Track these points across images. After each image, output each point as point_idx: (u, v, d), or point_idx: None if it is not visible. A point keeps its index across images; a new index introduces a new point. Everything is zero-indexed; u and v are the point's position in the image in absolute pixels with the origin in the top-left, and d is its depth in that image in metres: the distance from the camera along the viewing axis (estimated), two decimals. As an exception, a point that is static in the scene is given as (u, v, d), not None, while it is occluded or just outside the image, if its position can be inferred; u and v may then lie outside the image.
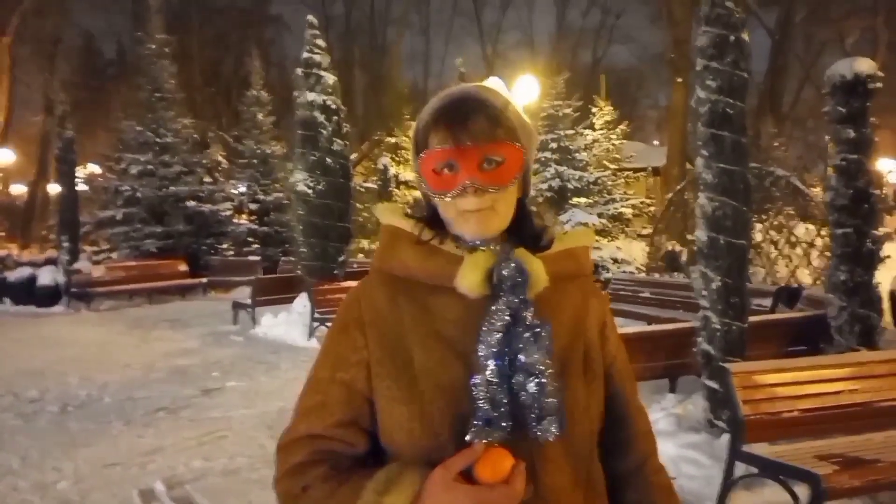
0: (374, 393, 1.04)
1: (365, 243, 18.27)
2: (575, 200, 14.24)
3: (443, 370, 1.01)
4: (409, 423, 1.00)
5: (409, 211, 1.14)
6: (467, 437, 0.95)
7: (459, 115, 1.03)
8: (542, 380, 0.97)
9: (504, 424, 0.95)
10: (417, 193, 1.16)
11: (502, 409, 0.96)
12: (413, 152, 1.11)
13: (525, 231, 1.11)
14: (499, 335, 0.98)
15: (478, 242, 1.05)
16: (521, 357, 0.98)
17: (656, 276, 11.37)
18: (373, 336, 1.06)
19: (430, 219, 1.10)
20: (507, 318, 0.99)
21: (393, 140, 21.61)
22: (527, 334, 0.99)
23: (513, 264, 1.02)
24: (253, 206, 18.13)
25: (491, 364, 0.97)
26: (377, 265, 1.13)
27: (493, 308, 0.99)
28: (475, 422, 0.95)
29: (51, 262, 15.55)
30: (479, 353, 0.98)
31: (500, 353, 0.98)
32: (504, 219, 1.06)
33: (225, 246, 17.95)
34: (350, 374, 1.06)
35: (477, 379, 0.97)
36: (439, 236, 1.07)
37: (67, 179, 15.42)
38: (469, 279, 1.01)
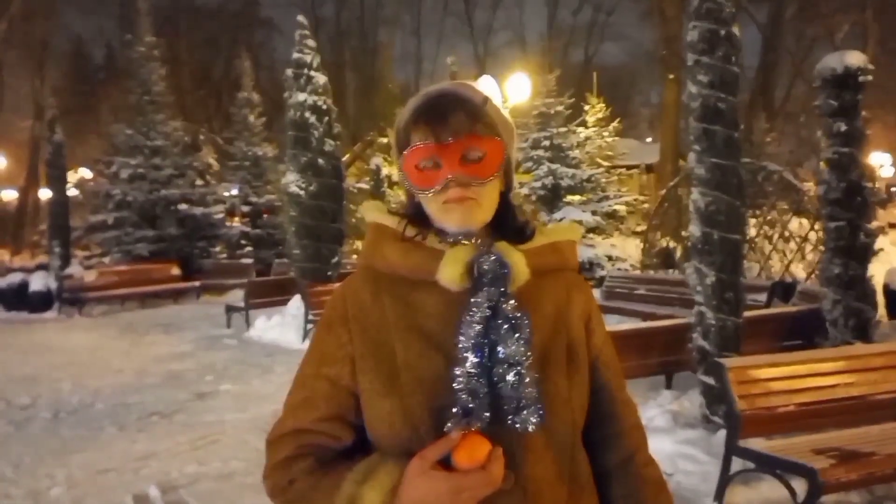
0: (359, 387, 1.06)
1: (358, 244, 18.23)
2: (569, 198, 14.23)
3: (423, 364, 1.02)
4: (390, 416, 1.02)
5: (393, 208, 1.16)
6: (446, 428, 0.96)
7: (439, 111, 1.05)
8: (521, 370, 0.98)
9: (483, 415, 0.96)
10: None
11: (481, 400, 0.97)
12: (395, 151, 1.13)
13: (508, 225, 1.12)
14: (478, 327, 0.99)
15: (461, 236, 1.06)
16: (501, 348, 0.99)
17: (651, 272, 11.37)
18: (357, 332, 1.07)
19: (414, 215, 1.11)
20: (487, 310, 1.00)
21: (385, 140, 21.49)
22: (506, 326, 1.00)
23: (493, 257, 1.03)
24: (245, 209, 18.05)
25: (470, 356, 0.98)
26: (363, 262, 1.15)
27: (473, 300, 1.01)
28: (454, 411, 0.96)
29: (42, 267, 15.51)
30: (459, 346, 0.99)
31: (479, 344, 0.99)
32: (488, 211, 1.08)
33: (218, 249, 17.88)
34: (335, 370, 1.07)
35: (457, 371, 0.98)
36: (422, 232, 1.09)
37: (58, 184, 15.37)
38: (449, 272, 1.02)
